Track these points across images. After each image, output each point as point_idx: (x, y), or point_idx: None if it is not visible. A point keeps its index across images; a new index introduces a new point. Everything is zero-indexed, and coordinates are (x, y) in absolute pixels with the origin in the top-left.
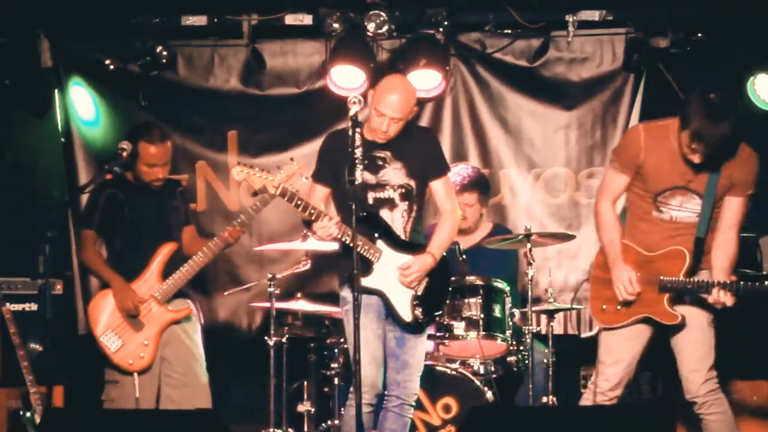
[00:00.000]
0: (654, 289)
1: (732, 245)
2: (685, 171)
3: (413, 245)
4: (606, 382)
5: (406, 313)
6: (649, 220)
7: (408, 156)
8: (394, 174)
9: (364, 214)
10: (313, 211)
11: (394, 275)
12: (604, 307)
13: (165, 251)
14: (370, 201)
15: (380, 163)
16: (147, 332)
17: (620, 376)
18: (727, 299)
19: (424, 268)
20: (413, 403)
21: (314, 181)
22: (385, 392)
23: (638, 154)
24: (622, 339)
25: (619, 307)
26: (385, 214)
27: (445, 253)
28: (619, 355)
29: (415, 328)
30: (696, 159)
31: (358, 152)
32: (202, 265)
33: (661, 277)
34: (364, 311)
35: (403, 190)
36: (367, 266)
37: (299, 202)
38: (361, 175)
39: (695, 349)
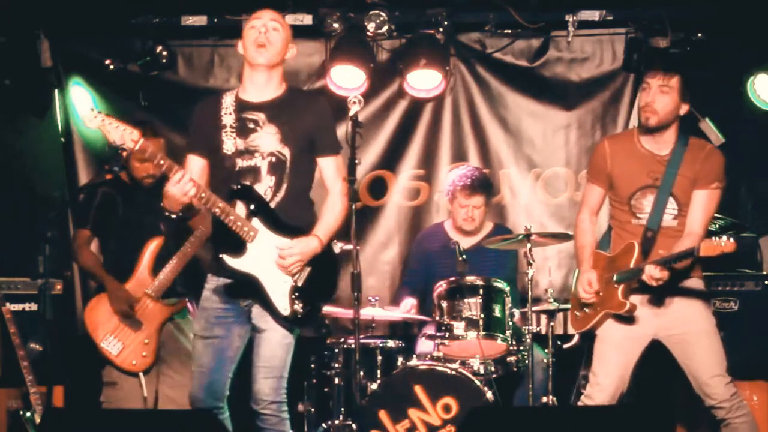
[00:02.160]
0: (612, 286)
1: (694, 237)
2: (651, 169)
3: (295, 228)
4: (600, 393)
5: (283, 306)
6: (630, 230)
7: (285, 120)
8: (266, 139)
9: (238, 186)
10: (178, 174)
11: (271, 260)
12: (577, 314)
13: (152, 247)
14: (236, 169)
15: (251, 126)
16: (146, 330)
17: (613, 386)
18: (655, 272)
19: (307, 252)
20: (269, 411)
21: (189, 152)
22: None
23: (605, 161)
24: (613, 349)
25: (586, 310)
26: None
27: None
28: (610, 366)
29: (292, 323)
30: (650, 112)
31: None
32: (190, 255)
33: (615, 273)
34: (224, 325)
35: (273, 159)
36: (239, 246)
37: (162, 162)
38: (233, 143)
39: (709, 355)
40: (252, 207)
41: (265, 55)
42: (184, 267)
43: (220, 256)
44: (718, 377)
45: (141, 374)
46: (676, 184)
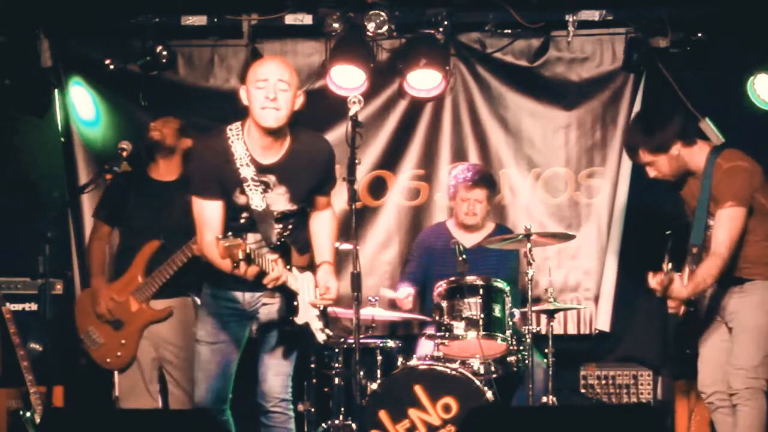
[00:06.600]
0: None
1: (715, 258)
2: (693, 191)
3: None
4: (699, 383)
5: (322, 337)
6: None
7: (295, 177)
8: (276, 200)
9: (279, 242)
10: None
11: (305, 299)
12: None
13: (147, 249)
14: (242, 220)
15: (264, 187)
16: (125, 331)
17: (708, 374)
18: (652, 281)
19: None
20: (279, 408)
21: (204, 197)
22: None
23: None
24: (701, 354)
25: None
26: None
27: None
28: (703, 371)
29: (325, 344)
30: (662, 178)
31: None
32: (179, 263)
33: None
34: (229, 329)
35: (280, 216)
36: (291, 302)
37: (271, 266)
38: (262, 199)
39: (741, 349)
40: (289, 263)
41: (274, 118)
42: (172, 276)
43: (291, 318)
44: (742, 371)
45: (116, 373)
46: (707, 202)
